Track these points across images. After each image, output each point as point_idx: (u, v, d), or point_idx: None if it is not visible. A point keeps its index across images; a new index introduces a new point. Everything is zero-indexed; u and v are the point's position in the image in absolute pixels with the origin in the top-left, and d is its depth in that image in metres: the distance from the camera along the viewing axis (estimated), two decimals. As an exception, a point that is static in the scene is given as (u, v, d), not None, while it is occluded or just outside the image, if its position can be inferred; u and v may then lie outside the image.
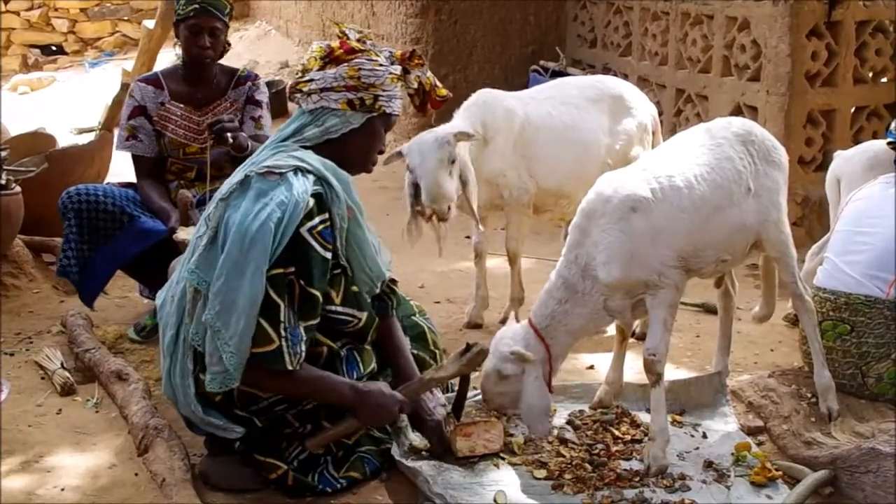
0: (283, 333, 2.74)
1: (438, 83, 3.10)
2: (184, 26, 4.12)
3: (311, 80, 2.90)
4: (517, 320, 3.37)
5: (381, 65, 2.92)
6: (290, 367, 2.76)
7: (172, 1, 4.54)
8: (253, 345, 2.72)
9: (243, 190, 2.82)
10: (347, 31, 2.99)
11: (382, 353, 3.20)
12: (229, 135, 3.91)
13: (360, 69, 2.88)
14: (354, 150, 2.97)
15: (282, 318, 2.74)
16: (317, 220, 2.80)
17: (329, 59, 2.91)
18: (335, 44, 2.94)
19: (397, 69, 2.97)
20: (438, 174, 3.78)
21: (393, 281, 3.22)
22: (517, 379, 3.13)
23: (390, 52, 3.01)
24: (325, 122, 2.92)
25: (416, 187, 3.89)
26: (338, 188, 2.88)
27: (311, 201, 2.78)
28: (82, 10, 13.37)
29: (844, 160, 4.30)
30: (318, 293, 2.82)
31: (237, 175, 2.89)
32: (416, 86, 3.04)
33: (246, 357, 2.72)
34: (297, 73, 2.97)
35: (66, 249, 4.02)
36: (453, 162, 3.82)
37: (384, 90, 2.92)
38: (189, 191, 4.09)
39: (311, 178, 2.82)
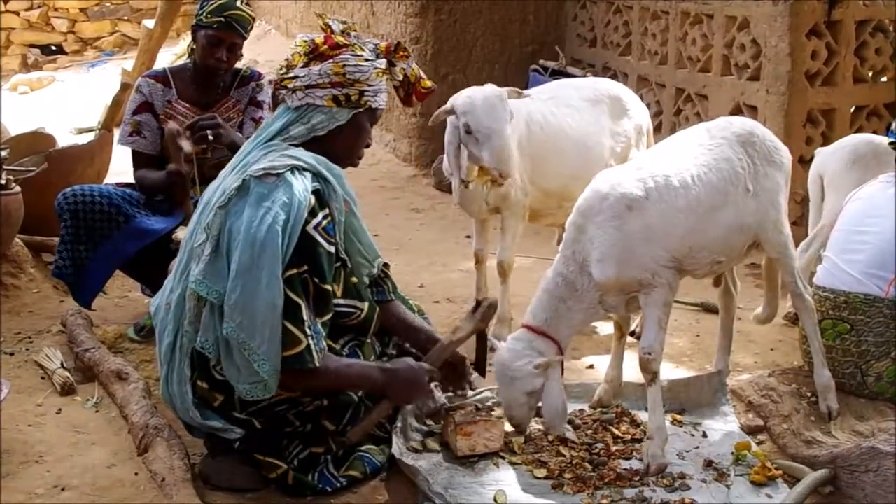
0: (308, 332, 2.76)
1: (423, 75, 3.09)
2: (203, 34, 4.08)
3: (295, 77, 2.89)
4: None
5: (366, 60, 2.91)
6: (317, 364, 2.77)
7: (172, 1, 4.52)
8: (283, 349, 2.72)
9: (242, 196, 2.80)
10: (331, 23, 2.96)
11: (399, 336, 3.25)
12: (209, 132, 3.88)
13: (345, 65, 2.87)
14: (341, 145, 2.97)
15: (305, 318, 2.75)
16: (320, 216, 2.81)
17: (314, 54, 2.90)
18: (319, 39, 2.92)
19: (382, 63, 2.96)
20: (506, 134, 3.66)
21: (385, 265, 3.24)
22: (542, 389, 3.13)
23: (375, 44, 3.00)
24: (311, 119, 2.91)
25: (458, 143, 3.80)
26: (334, 183, 2.90)
27: (313, 198, 2.79)
28: (82, 9, 13.35)
29: (825, 157, 4.32)
30: (329, 288, 2.84)
31: (231, 179, 2.87)
32: (401, 78, 3.03)
33: (278, 363, 2.72)
34: (280, 69, 2.94)
35: (62, 250, 4.01)
36: (511, 119, 3.74)
37: (370, 85, 2.91)
38: (176, 124, 4.01)
39: (309, 175, 2.82)
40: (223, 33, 4.06)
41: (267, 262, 2.69)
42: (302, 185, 2.78)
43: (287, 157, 2.84)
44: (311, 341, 2.75)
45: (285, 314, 2.72)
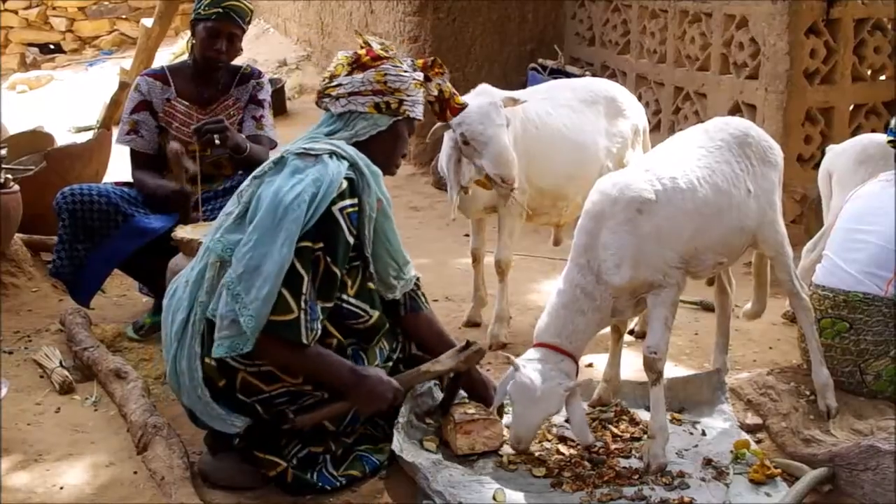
0: (302, 305, 2.79)
1: (456, 92, 3.24)
2: (202, 27, 4.10)
3: (339, 85, 3.02)
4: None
5: (405, 71, 3.05)
6: (305, 341, 2.80)
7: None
8: (272, 312, 2.75)
9: (278, 168, 2.92)
10: (371, 42, 3.10)
11: (427, 349, 3.26)
12: (216, 136, 3.90)
13: (386, 74, 3.01)
14: (380, 152, 3.06)
15: (304, 291, 2.79)
16: (347, 201, 2.88)
17: (356, 64, 3.04)
18: (362, 51, 3.06)
19: (420, 76, 3.10)
20: (504, 139, 3.68)
21: (418, 279, 3.30)
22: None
23: (412, 60, 3.13)
24: (355, 125, 3.03)
25: (459, 159, 3.81)
26: (369, 178, 2.97)
27: (345, 183, 2.87)
28: (80, 8, 13.37)
29: (836, 155, 4.31)
30: (338, 272, 2.88)
31: (272, 156, 2.99)
32: (436, 93, 3.18)
33: (264, 323, 2.74)
34: (324, 80, 3.08)
35: (60, 250, 4.02)
36: (507, 126, 3.75)
37: (408, 95, 3.04)
38: (178, 144, 4.04)
39: (346, 163, 2.92)
40: (222, 24, 4.07)
41: (287, 226, 2.76)
42: (336, 168, 2.87)
43: (329, 144, 2.95)
44: (302, 315, 2.78)
45: (285, 281, 2.76)
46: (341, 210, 2.85)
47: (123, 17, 13.39)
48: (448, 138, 3.90)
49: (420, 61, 3.15)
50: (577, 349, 3.13)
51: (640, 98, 6.12)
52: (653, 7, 6.46)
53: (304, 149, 2.92)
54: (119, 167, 5.31)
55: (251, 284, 2.74)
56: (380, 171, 3.04)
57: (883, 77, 5.77)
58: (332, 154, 2.91)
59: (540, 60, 7.23)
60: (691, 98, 6.12)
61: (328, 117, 3.07)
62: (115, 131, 4.78)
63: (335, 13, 9.32)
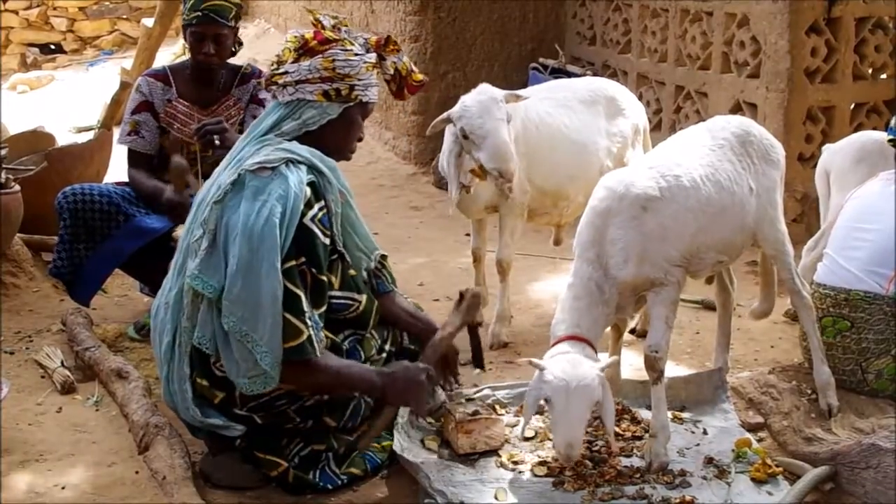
0: (308, 323, 2.77)
1: (414, 68, 3.10)
2: (189, 32, 4.11)
3: (285, 73, 2.90)
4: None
5: (356, 54, 2.92)
6: (318, 355, 2.79)
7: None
8: (284, 340, 2.73)
9: (237, 190, 2.81)
10: (322, 19, 2.98)
11: (399, 327, 3.26)
12: (215, 137, 3.90)
13: (334, 60, 2.88)
14: (333, 140, 2.98)
15: (305, 309, 2.77)
16: (316, 208, 2.83)
17: (303, 50, 2.91)
18: (309, 34, 2.93)
19: (372, 57, 2.97)
20: (503, 133, 3.65)
21: (384, 256, 3.26)
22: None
23: (365, 39, 3.01)
24: (303, 114, 2.92)
25: (460, 153, 3.80)
26: (329, 175, 2.92)
27: (308, 191, 2.81)
28: (81, 8, 13.34)
29: (833, 153, 4.30)
30: (325, 278, 2.86)
31: (226, 175, 2.88)
32: (392, 72, 3.05)
33: (280, 354, 2.73)
34: (272, 65, 2.96)
35: (60, 250, 4.03)
36: (509, 122, 3.73)
37: (360, 79, 2.92)
38: (182, 158, 4.04)
39: (304, 168, 2.85)
40: (204, 27, 4.06)
41: (266, 254, 2.71)
42: (297, 178, 2.80)
43: (281, 151, 2.86)
44: (311, 332, 2.78)
45: (285, 306, 2.73)
46: (312, 219, 2.81)
47: (124, 17, 13.36)
48: (449, 133, 3.90)
49: (373, 39, 3.02)
50: (593, 338, 3.09)
51: (640, 97, 6.12)
52: (654, 6, 6.46)
53: (260, 163, 2.81)
54: (120, 167, 5.30)
55: (255, 323, 2.71)
56: (335, 164, 2.98)
57: (884, 76, 5.76)
58: (287, 162, 2.82)
59: (541, 60, 7.23)
60: (692, 97, 6.12)
61: (275, 105, 2.96)
62: (116, 131, 4.78)
63: (336, 13, 9.31)
